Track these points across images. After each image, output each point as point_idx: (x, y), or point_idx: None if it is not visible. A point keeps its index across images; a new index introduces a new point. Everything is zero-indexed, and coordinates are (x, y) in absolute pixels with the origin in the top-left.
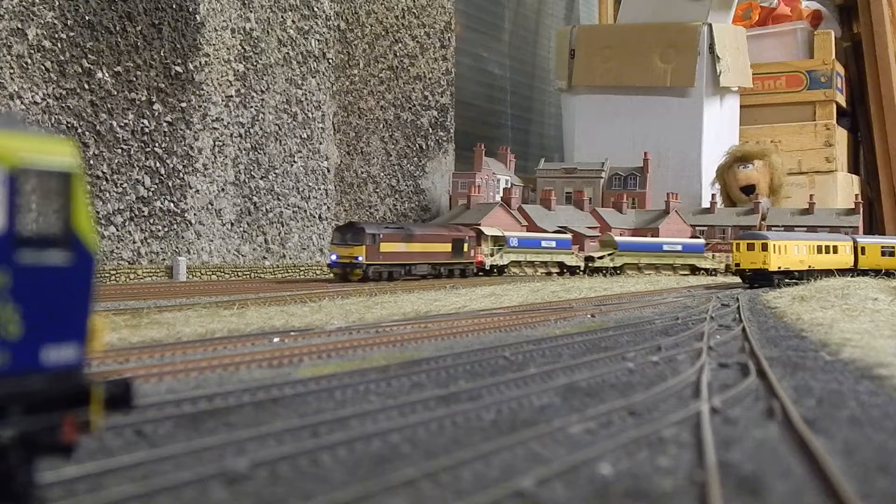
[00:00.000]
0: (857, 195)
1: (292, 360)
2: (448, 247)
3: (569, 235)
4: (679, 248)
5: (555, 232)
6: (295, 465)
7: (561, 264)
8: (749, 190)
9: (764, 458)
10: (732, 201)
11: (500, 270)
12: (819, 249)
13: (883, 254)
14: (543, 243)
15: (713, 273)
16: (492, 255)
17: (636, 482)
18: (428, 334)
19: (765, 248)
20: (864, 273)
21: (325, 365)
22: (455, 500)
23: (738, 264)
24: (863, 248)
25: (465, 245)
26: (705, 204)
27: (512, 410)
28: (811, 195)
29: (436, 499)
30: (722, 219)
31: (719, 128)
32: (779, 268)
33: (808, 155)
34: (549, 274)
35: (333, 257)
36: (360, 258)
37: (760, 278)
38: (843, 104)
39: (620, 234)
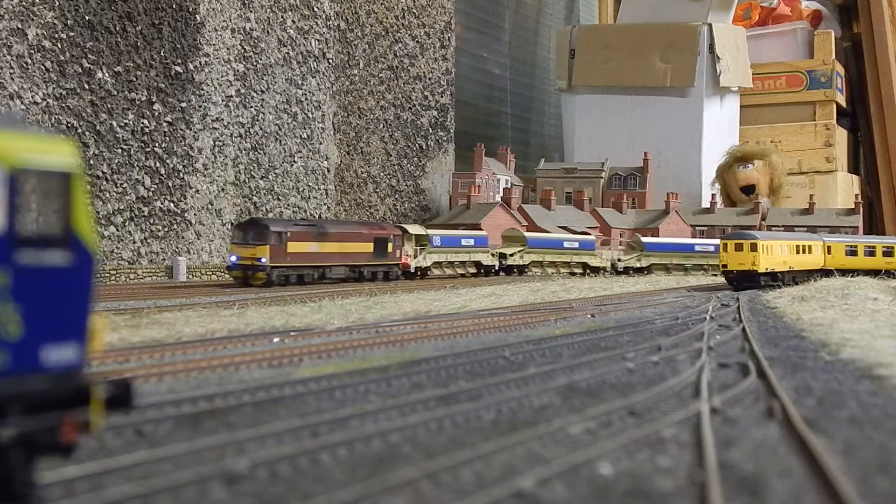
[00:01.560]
0: (857, 195)
1: (292, 360)
2: (369, 247)
3: (485, 233)
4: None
5: (471, 228)
6: (295, 465)
7: (477, 264)
8: (749, 190)
9: (764, 458)
10: (732, 201)
11: (422, 273)
12: (798, 249)
13: (847, 253)
14: (463, 241)
15: None
16: (415, 255)
17: (636, 482)
18: (428, 334)
19: (753, 248)
20: (830, 273)
21: (325, 365)
22: (455, 500)
23: (724, 265)
24: (829, 248)
25: (390, 245)
26: (705, 204)
27: (512, 410)
28: (811, 195)
29: (436, 499)
30: (722, 219)
31: (719, 128)
32: (767, 269)
33: (808, 155)
34: (462, 275)
35: (233, 258)
36: (263, 259)
37: (747, 280)
38: (843, 104)
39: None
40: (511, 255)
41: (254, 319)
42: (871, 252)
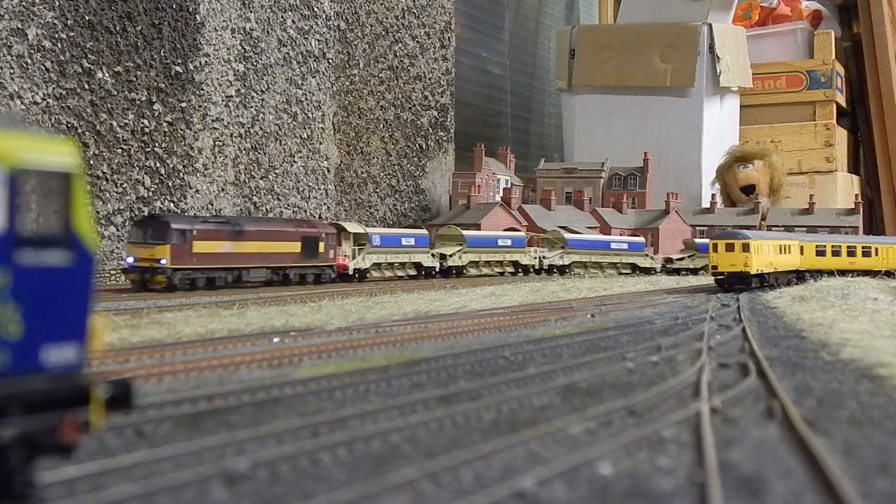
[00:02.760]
0: (857, 195)
1: (292, 360)
2: (296, 246)
3: (425, 231)
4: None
5: (411, 227)
6: (295, 465)
7: (418, 265)
8: (749, 190)
9: (764, 458)
10: (732, 201)
11: (361, 275)
12: (781, 249)
13: (816, 253)
14: (404, 241)
15: None
16: (353, 256)
17: (636, 482)
18: (428, 334)
19: (746, 248)
20: (803, 274)
21: (325, 365)
22: (455, 500)
23: (714, 267)
24: (802, 248)
25: (322, 244)
26: (705, 204)
27: (512, 410)
28: (811, 195)
29: (436, 499)
30: (722, 219)
31: (719, 128)
32: (758, 271)
33: (808, 155)
34: (402, 277)
35: (130, 260)
36: (163, 261)
37: (738, 282)
38: (843, 104)
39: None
40: (450, 255)
41: (254, 319)
42: (836, 252)
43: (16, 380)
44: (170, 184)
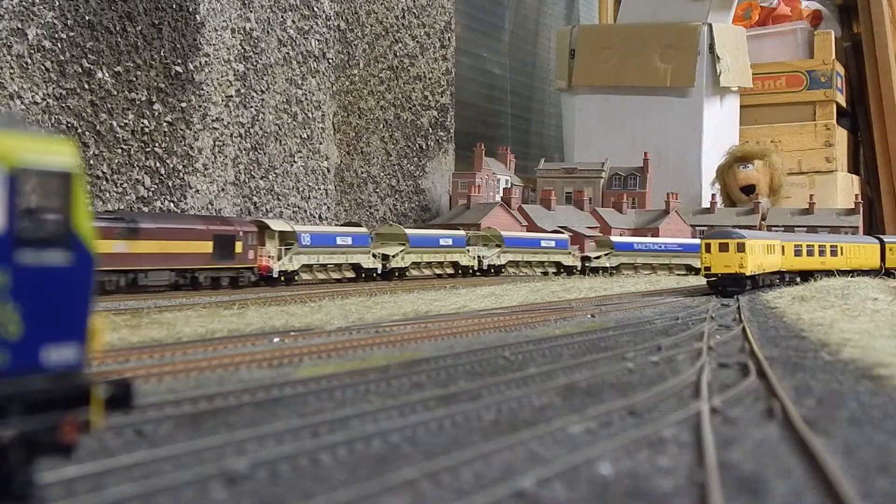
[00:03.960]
0: (857, 195)
1: (292, 360)
2: (207, 246)
3: (365, 230)
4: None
5: (346, 225)
6: (295, 465)
7: (356, 267)
8: (749, 190)
9: (764, 458)
10: (732, 201)
11: (288, 278)
12: (768, 249)
13: (795, 253)
14: (339, 240)
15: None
16: (279, 257)
17: (636, 482)
18: (428, 334)
19: (741, 248)
20: (783, 275)
21: (325, 365)
22: (455, 500)
23: (707, 268)
24: (783, 248)
25: (239, 243)
26: (705, 204)
27: (512, 410)
28: (811, 195)
29: (436, 499)
30: (722, 219)
31: (719, 128)
32: (752, 272)
33: (808, 155)
34: (339, 280)
35: None
36: None
37: (732, 284)
38: (843, 104)
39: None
40: (393, 256)
41: (254, 319)
42: (811, 252)
43: (16, 380)
44: (170, 184)
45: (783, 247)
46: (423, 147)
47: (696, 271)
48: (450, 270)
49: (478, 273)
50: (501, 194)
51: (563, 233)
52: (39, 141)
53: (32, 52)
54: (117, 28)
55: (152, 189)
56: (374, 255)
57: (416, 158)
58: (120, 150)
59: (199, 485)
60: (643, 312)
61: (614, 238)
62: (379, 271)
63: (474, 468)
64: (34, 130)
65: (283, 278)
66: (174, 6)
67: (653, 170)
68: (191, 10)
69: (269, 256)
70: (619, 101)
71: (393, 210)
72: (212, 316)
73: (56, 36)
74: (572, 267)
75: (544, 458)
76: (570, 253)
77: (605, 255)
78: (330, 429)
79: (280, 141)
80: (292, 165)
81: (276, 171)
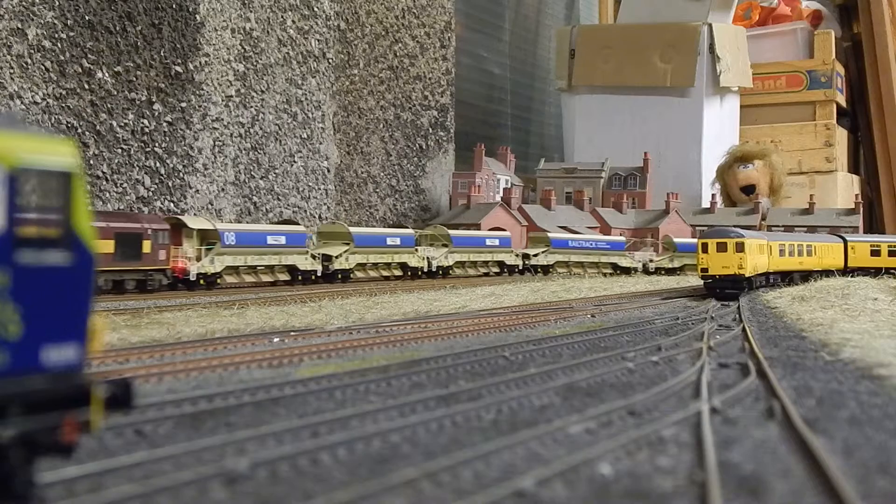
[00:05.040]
0: (857, 195)
1: (292, 360)
2: (107, 245)
3: (303, 228)
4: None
5: (282, 223)
6: (295, 465)
7: (293, 268)
8: (749, 190)
9: (764, 458)
10: (732, 201)
11: (210, 281)
12: (761, 249)
13: (779, 253)
14: (270, 239)
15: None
16: (198, 257)
17: (636, 482)
18: (428, 334)
19: (740, 248)
20: (769, 277)
21: (325, 365)
22: (455, 500)
23: (704, 269)
24: (770, 248)
25: (147, 242)
26: (705, 204)
27: (512, 410)
28: (811, 195)
29: (436, 499)
30: (722, 219)
31: (719, 128)
32: (750, 274)
33: (808, 155)
34: (273, 283)
35: None
36: None
37: (730, 287)
38: (843, 104)
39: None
40: (336, 256)
41: (254, 319)
42: (791, 252)
43: (16, 380)
44: (170, 184)
45: (770, 246)
46: (423, 147)
47: (625, 270)
48: (398, 272)
49: (422, 275)
50: (501, 194)
51: (505, 231)
52: (39, 141)
53: (32, 52)
54: (117, 28)
55: (152, 189)
56: (313, 256)
57: (416, 158)
58: (120, 150)
59: (199, 485)
60: (643, 312)
61: (551, 234)
62: (318, 273)
63: (474, 468)
64: (34, 130)
65: (202, 281)
66: (174, 6)
67: (653, 170)
68: (191, 10)
69: (185, 257)
70: (619, 101)
71: (393, 210)
72: (212, 316)
73: (56, 36)
74: (514, 266)
75: (544, 458)
76: (512, 252)
77: (543, 252)
78: (330, 429)
79: (280, 141)
80: (292, 165)
81: (276, 171)
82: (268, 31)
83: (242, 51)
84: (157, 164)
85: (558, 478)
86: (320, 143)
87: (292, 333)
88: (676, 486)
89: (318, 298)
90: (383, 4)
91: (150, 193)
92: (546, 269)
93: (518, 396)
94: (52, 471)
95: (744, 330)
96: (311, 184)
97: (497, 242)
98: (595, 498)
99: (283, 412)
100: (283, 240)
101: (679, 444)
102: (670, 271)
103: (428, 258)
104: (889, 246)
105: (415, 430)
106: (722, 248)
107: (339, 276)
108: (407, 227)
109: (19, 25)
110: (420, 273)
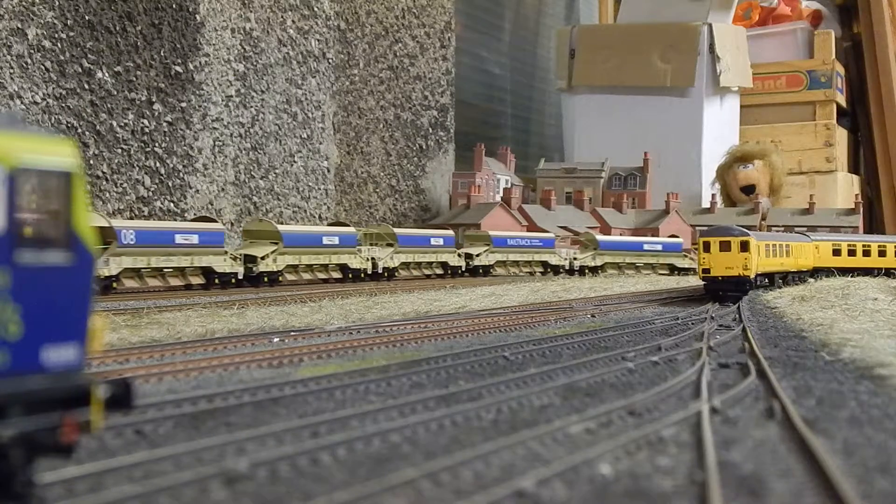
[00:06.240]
0: (857, 195)
1: (292, 360)
2: None
3: (220, 226)
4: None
5: (197, 220)
6: (295, 465)
7: (208, 271)
8: (749, 190)
9: (764, 458)
10: (732, 201)
11: (105, 285)
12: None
13: (767, 253)
14: (179, 238)
15: None
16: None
17: (636, 482)
18: (428, 334)
19: (744, 247)
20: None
21: (325, 365)
22: (455, 500)
23: (706, 270)
24: (758, 248)
25: None
26: (705, 204)
27: (512, 410)
28: (811, 195)
29: (436, 499)
30: (722, 219)
31: (719, 128)
32: (757, 275)
33: (808, 155)
34: (187, 287)
35: None
36: None
37: (732, 288)
38: (843, 104)
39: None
40: (262, 257)
41: (254, 319)
42: (776, 251)
43: (16, 380)
44: (170, 184)
45: (758, 246)
46: (423, 147)
47: (553, 269)
48: (337, 274)
49: (365, 277)
50: (501, 194)
51: (449, 230)
52: (39, 141)
53: (32, 52)
54: (117, 28)
55: (152, 189)
56: (233, 257)
57: (416, 158)
58: (120, 150)
59: (199, 485)
60: (643, 312)
61: (492, 233)
62: (240, 276)
63: (474, 468)
64: (34, 130)
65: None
66: (174, 6)
67: (653, 170)
68: (191, 10)
69: None
70: (619, 101)
71: (393, 210)
72: (212, 316)
73: (56, 36)
74: (457, 267)
75: (544, 458)
76: (455, 252)
77: (485, 251)
78: (330, 429)
79: (280, 141)
80: (292, 165)
81: (276, 171)
82: (268, 31)
83: (242, 51)
84: (157, 164)
85: (558, 478)
86: (320, 143)
87: (292, 333)
88: (676, 486)
89: (318, 298)
90: (383, 4)
91: (150, 193)
92: (487, 270)
93: (518, 396)
94: (52, 471)
95: (744, 330)
96: (311, 184)
97: (441, 242)
98: (595, 498)
99: (284, 412)
100: (195, 239)
101: (679, 444)
102: (594, 270)
103: (373, 259)
104: (849, 245)
105: (415, 430)
106: (725, 247)
107: (265, 279)
108: (348, 225)
109: (19, 25)
110: (362, 275)
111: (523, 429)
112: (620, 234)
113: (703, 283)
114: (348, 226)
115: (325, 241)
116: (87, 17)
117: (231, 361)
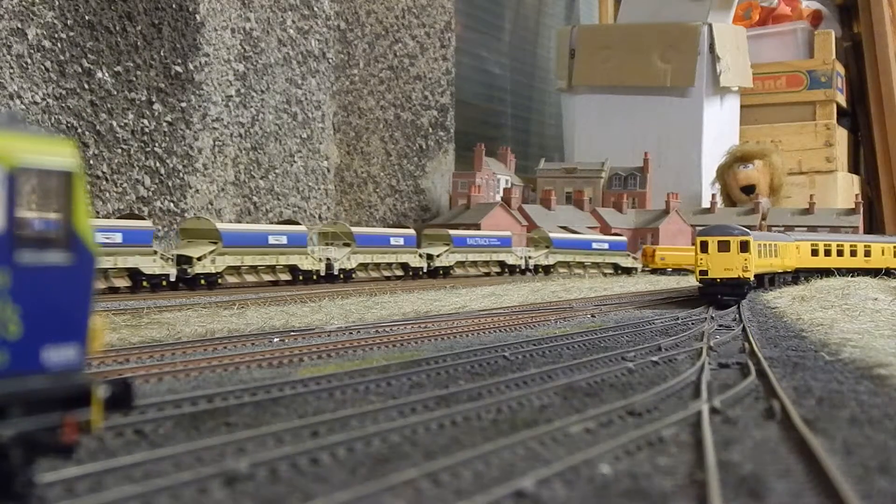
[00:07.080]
0: (857, 195)
1: (292, 360)
2: None
3: (148, 224)
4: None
5: (124, 217)
6: (295, 465)
7: (135, 272)
8: (749, 190)
9: (764, 458)
10: (732, 201)
11: None
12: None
13: (760, 254)
14: (103, 237)
15: None
16: None
17: (636, 482)
18: (428, 334)
19: (744, 248)
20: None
21: (325, 365)
22: (455, 500)
23: (703, 272)
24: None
25: None
26: (705, 204)
27: (512, 410)
28: (811, 195)
29: (436, 499)
30: (722, 219)
31: (719, 128)
32: (754, 276)
33: (809, 155)
34: (132, 290)
35: None
36: None
37: (730, 291)
38: (844, 104)
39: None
40: (199, 258)
41: (254, 319)
42: (767, 251)
43: (16, 380)
44: (170, 184)
45: (756, 246)
46: (423, 147)
47: (510, 269)
48: (286, 276)
49: (317, 279)
50: (501, 194)
51: (410, 228)
52: (39, 141)
53: (32, 52)
54: (117, 28)
55: (152, 189)
56: (164, 258)
57: (416, 158)
58: (120, 150)
59: (199, 485)
60: (643, 312)
61: (452, 232)
62: (172, 278)
63: (474, 468)
64: (34, 130)
65: None
66: (174, 6)
67: (653, 170)
68: (191, 10)
69: None
70: (619, 101)
71: (393, 210)
72: (212, 316)
73: (56, 36)
74: (419, 268)
75: (544, 458)
76: (416, 252)
77: (445, 252)
78: (330, 429)
79: (280, 141)
80: (292, 165)
81: (276, 171)
82: (268, 31)
83: (242, 51)
84: (157, 164)
85: (558, 478)
86: (320, 143)
87: (292, 333)
88: (676, 486)
89: (318, 298)
90: (383, 4)
91: (150, 193)
92: (447, 271)
93: (518, 396)
94: (52, 471)
95: (744, 330)
96: (311, 184)
97: (402, 242)
98: (595, 498)
99: (283, 412)
100: (118, 238)
101: (679, 444)
102: (546, 269)
103: (328, 260)
104: (825, 245)
105: (415, 430)
106: (724, 247)
107: (202, 281)
108: (299, 224)
109: (19, 25)
110: (315, 277)
111: (523, 429)
112: (579, 234)
113: (699, 286)
114: (299, 224)
115: (272, 240)
116: (86, 17)
117: (231, 361)
